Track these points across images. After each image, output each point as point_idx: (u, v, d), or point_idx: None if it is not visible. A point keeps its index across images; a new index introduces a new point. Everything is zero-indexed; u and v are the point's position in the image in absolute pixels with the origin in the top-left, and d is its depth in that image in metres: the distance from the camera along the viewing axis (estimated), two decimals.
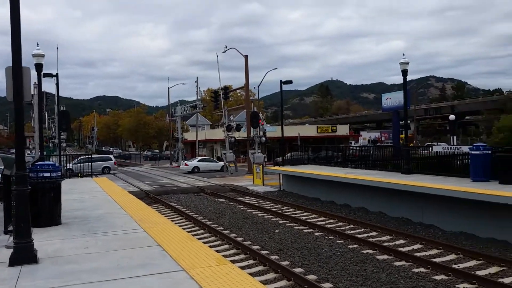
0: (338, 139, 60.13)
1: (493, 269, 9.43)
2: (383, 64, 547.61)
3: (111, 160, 29.18)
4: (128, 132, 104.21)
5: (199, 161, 44.06)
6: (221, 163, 38.93)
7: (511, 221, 11.75)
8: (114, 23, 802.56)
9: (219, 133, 53.80)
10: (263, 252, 11.19)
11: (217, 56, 40.15)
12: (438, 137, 79.39)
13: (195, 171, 41.35)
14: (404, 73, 19.07)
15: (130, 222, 9.34)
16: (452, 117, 54.95)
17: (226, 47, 39.11)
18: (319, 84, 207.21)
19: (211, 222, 15.80)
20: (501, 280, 8.65)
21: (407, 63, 19.00)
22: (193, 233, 13.97)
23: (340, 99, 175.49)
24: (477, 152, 14.25)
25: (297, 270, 9.62)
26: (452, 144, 46.08)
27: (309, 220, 15.54)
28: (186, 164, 43.09)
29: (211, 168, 41.65)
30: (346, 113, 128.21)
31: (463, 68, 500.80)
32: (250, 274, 8.98)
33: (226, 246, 12.12)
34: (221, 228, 14.74)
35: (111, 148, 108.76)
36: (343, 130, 66.54)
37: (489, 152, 14.36)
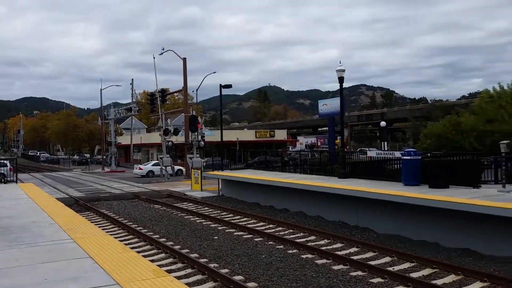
0: (276, 144, 60.92)
1: (426, 271, 9.77)
2: (318, 72, 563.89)
3: (7, 166, 27.71)
4: (56, 136, 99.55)
5: (153, 165, 43.31)
6: (176, 167, 38.32)
7: (441, 224, 12.31)
8: (43, 21, 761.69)
9: (155, 137, 52.44)
10: (202, 260, 10.88)
11: (154, 58, 38.98)
12: (369, 143, 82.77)
13: (149, 175, 40.59)
14: (341, 80, 19.54)
15: (58, 232, 8.69)
16: (383, 123, 57.35)
17: (163, 49, 38.20)
18: (257, 89, 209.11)
19: (146, 230, 15.20)
20: (434, 282, 8.98)
21: (343, 70, 19.48)
22: (127, 242, 13.37)
23: (278, 104, 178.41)
24: (408, 157, 14.83)
25: (237, 278, 9.43)
26: (383, 149, 48.16)
27: (248, 226, 15.40)
28: (140, 168, 42.10)
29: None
30: (283, 118, 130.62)
31: (391, 77, 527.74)
32: (188, 284, 8.69)
33: (163, 255, 11.66)
34: (157, 236, 14.21)
35: (38, 152, 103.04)
36: (281, 135, 67.53)
37: (420, 157, 14.99)
